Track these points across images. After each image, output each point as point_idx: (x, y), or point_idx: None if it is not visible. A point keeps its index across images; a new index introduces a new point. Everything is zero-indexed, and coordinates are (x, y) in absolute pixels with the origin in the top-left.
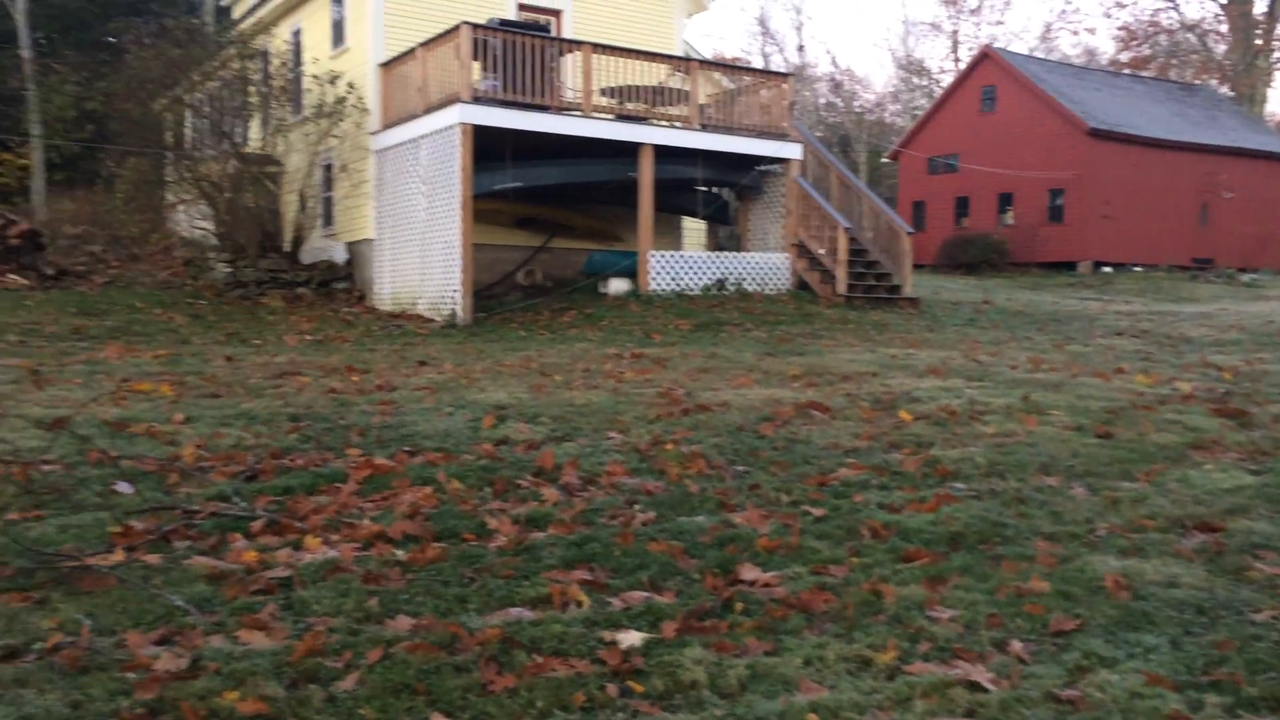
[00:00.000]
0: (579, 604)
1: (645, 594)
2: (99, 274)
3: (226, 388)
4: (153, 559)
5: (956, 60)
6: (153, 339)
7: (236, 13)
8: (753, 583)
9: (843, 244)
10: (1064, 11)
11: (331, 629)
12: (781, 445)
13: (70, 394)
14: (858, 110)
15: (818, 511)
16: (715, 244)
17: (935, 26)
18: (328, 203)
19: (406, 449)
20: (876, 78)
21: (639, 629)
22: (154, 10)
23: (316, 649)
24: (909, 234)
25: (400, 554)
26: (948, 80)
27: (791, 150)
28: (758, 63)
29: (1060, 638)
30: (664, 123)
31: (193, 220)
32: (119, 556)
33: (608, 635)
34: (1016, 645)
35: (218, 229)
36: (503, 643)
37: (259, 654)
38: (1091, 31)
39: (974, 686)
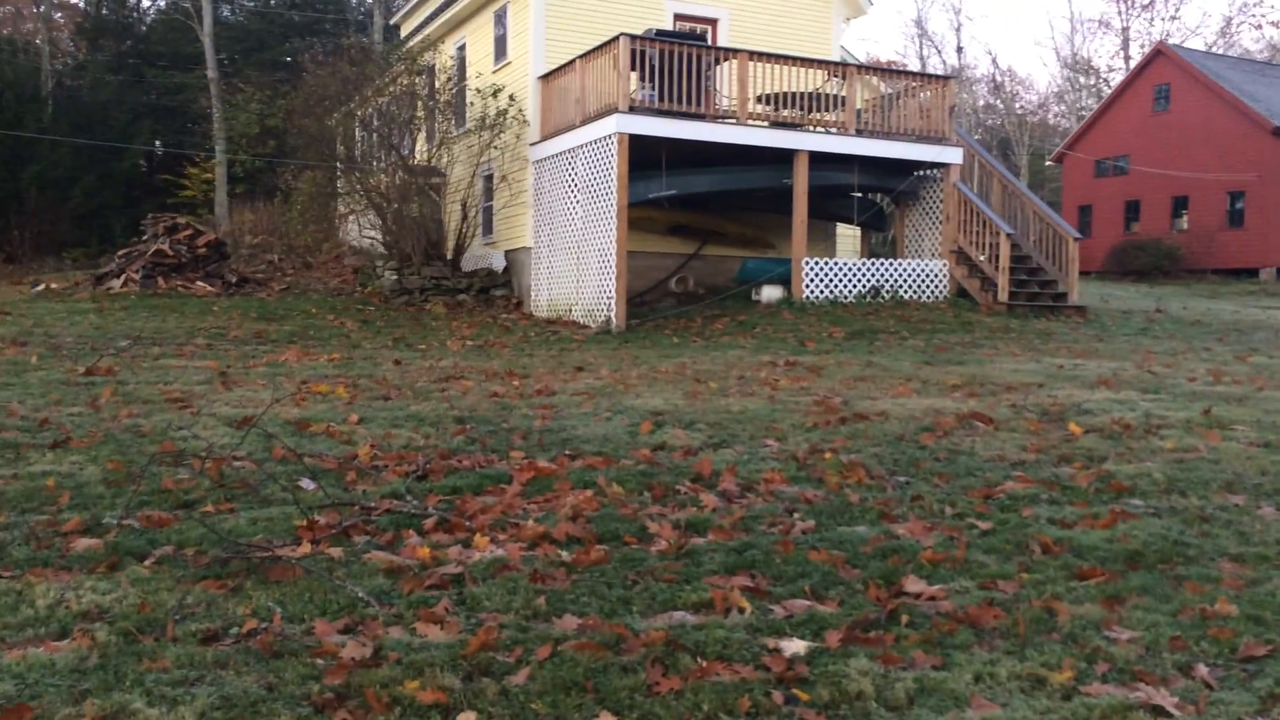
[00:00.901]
0: (741, 610)
1: (807, 603)
2: (276, 281)
3: (396, 390)
4: (335, 552)
5: (1127, 58)
6: (327, 343)
7: (404, 31)
8: (918, 595)
9: (1005, 250)
10: (1246, 4)
11: (502, 625)
12: (944, 456)
13: (255, 394)
14: (1019, 112)
15: (984, 525)
16: (870, 251)
17: (1104, 24)
18: (488, 212)
19: (567, 452)
20: (1039, 78)
21: (802, 637)
22: (327, 30)
23: (489, 644)
24: (1075, 239)
25: (565, 555)
26: (1117, 79)
27: (951, 154)
28: (915, 65)
29: (1250, 663)
30: (819, 129)
31: (362, 230)
32: (305, 549)
33: (771, 642)
34: (1202, 670)
35: (385, 238)
36: (667, 645)
37: (435, 646)
38: (1277, 25)
39: (1157, 711)
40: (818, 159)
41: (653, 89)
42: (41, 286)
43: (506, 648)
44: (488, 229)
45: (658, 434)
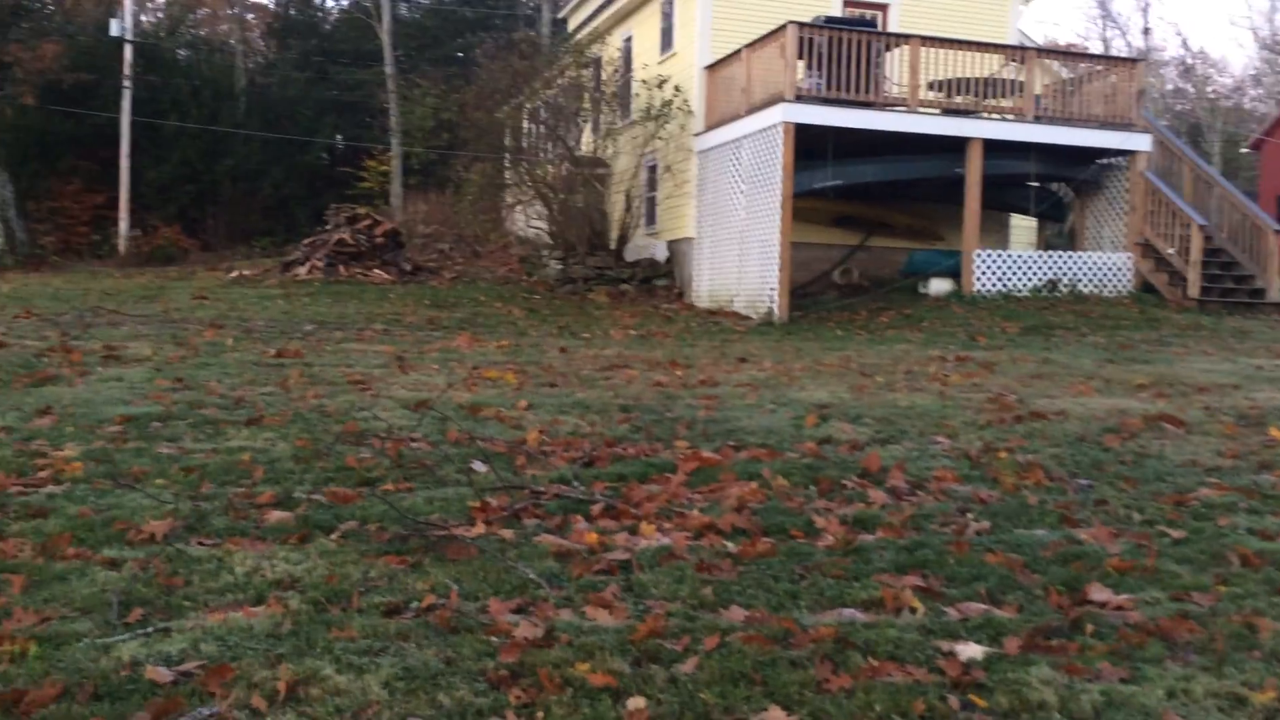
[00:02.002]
0: (913, 610)
1: (984, 606)
2: (448, 270)
3: (562, 377)
4: (507, 534)
5: None
6: (495, 330)
7: (572, 24)
8: (1103, 604)
9: (1196, 243)
10: None
11: (670, 613)
12: (1130, 459)
13: (429, 379)
14: (1211, 96)
15: (1176, 533)
16: (1046, 243)
17: None
18: (651, 202)
19: (731, 443)
20: (1234, 60)
21: (979, 642)
22: (498, 25)
23: (657, 631)
24: (1276, 232)
25: (730, 546)
26: None
27: (1138, 141)
28: (1097, 48)
29: None
30: (994, 115)
31: (529, 220)
32: (479, 529)
33: (945, 645)
34: None
35: (551, 228)
36: (836, 642)
37: (604, 630)
38: None
39: None
40: (992, 147)
41: (820, 77)
42: (235, 273)
43: (674, 635)
44: (650, 219)
45: (823, 427)
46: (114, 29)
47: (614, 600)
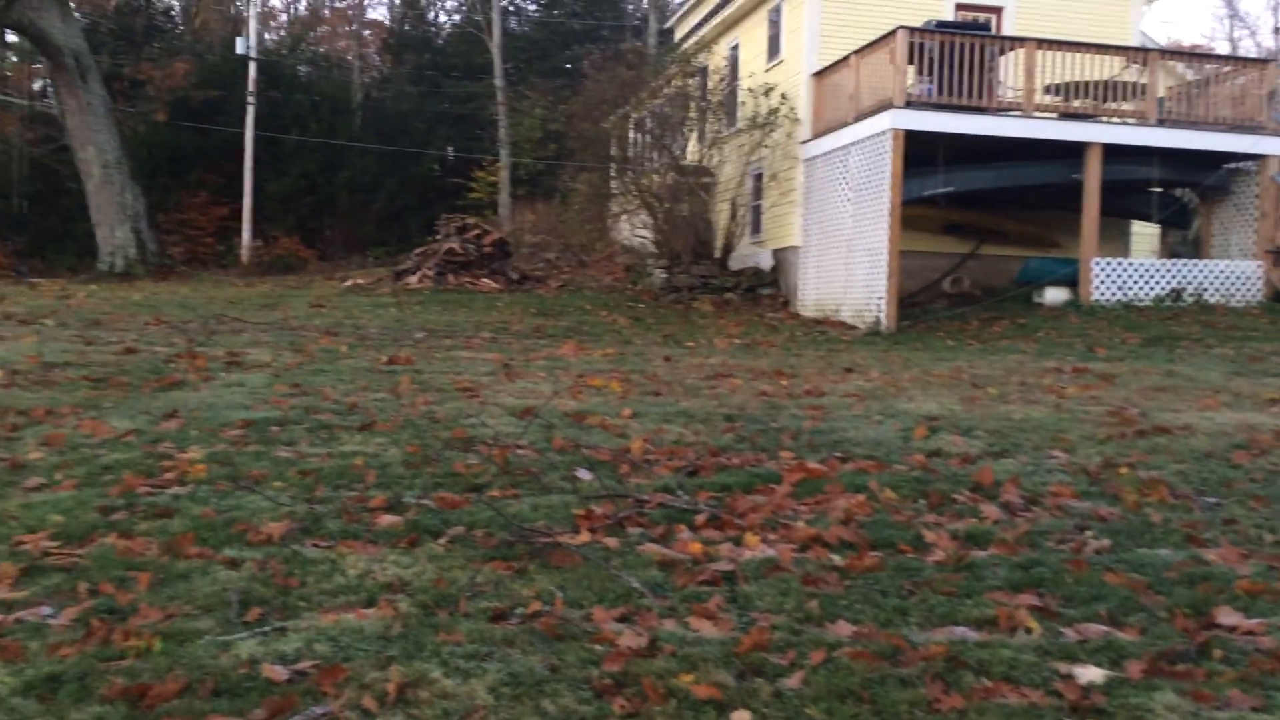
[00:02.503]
0: (1028, 630)
1: (1104, 628)
2: (554, 278)
3: (666, 386)
4: (611, 542)
5: None
6: (600, 338)
7: (678, 34)
8: (1232, 628)
9: None
10: None
11: (774, 626)
12: (1261, 477)
13: (535, 386)
14: None
15: None
16: (1169, 250)
17: None
18: (756, 211)
19: (837, 455)
20: None
21: (1099, 665)
22: (605, 37)
23: (762, 644)
24: None
25: (837, 559)
26: None
27: (1269, 145)
28: (1224, 49)
29: None
30: (1115, 119)
31: (634, 229)
32: (584, 537)
33: (1063, 667)
34: None
35: (656, 237)
36: (948, 661)
37: (708, 641)
38: None
39: None
40: (1112, 152)
41: (931, 82)
42: (350, 282)
43: (779, 649)
44: (755, 228)
45: (932, 439)
46: (239, 47)
47: (718, 611)
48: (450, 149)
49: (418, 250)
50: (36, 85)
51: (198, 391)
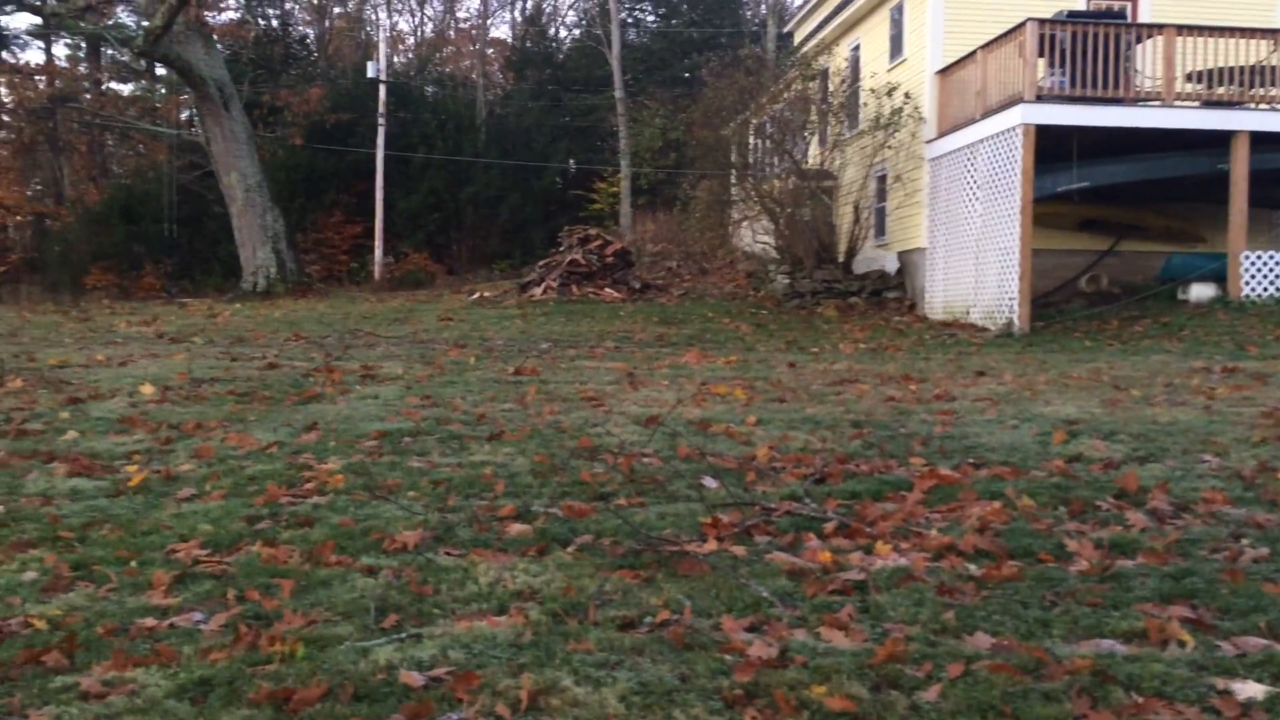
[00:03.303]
0: (1181, 644)
1: (1264, 641)
2: (675, 287)
3: (791, 393)
4: (738, 550)
5: None
6: (723, 346)
7: (797, 38)
8: None
9: None
10: None
11: (909, 637)
12: None
13: (659, 394)
14: None
15: None
16: None
17: None
18: (880, 213)
19: (971, 461)
20: None
21: (1259, 680)
22: (723, 44)
23: (896, 655)
24: None
25: (973, 568)
26: None
27: None
28: None
29: None
30: (1264, 106)
31: (755, 235)
32: (711, 545)
33: (1220, 683)
34: None
35: (777, 242)
36: (1094, 675)
37: (840, 652)
38: None
39: None
40: (1261, 140)
41: (1063, 74)
42: (476, 295)
43: (915, 661)
44: (880, 230)
45: (1072, 444)
46: (370, 71)
47: (850, 622)
48: (571, 161)
49: (541, 262)
50: (184, 115)
51: (335, 404)
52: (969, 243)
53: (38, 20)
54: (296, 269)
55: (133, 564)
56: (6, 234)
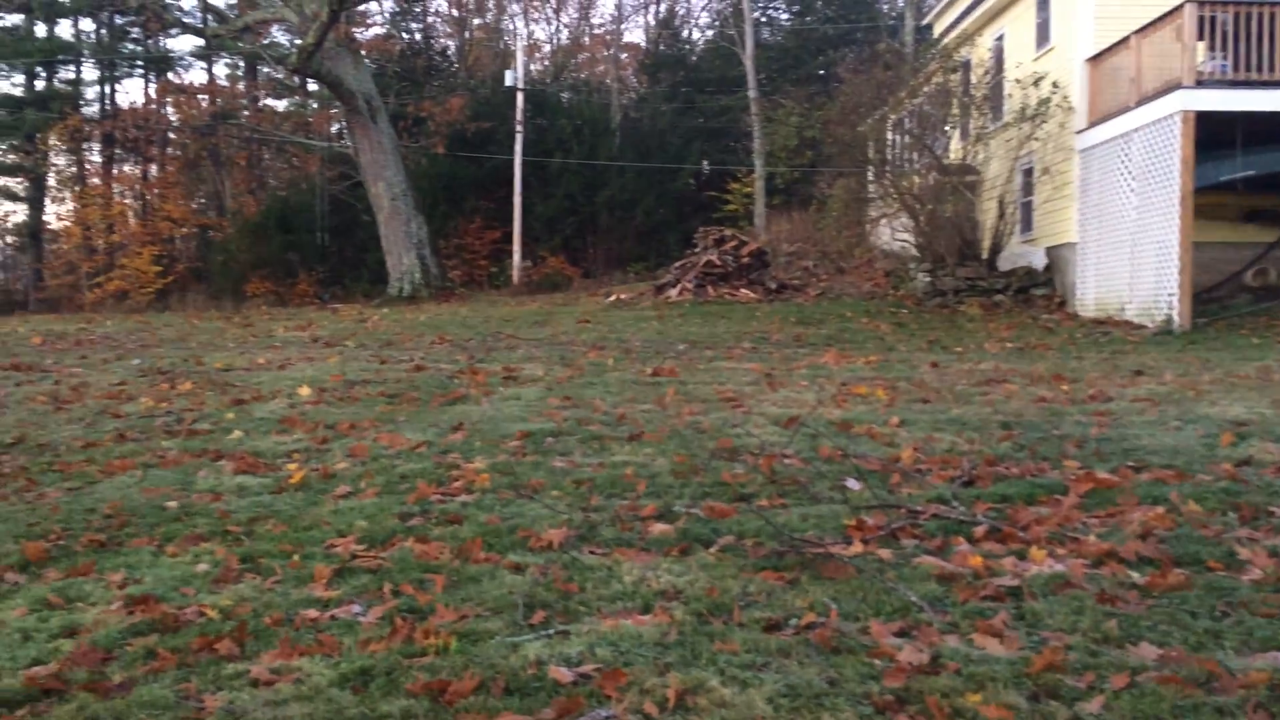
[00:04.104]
0: None
1: None
2: (812, 287)
3: (935, 393)
4: (884, 553)
5: None
6: (862, 346)
7: (937, 30)
8: None
9: None
10: None
11: (1069, 646)
12: None
13: (798, 395)
14: None
15: None
16: None
17: None
18: (1026, 208)
19: (1130, 464)
20: None
21: None
22: (859, 40)
23: (1055, 665)
24: None
25: (1136, 576)
26: None
27: None
28: None
29: None
30: None
31: (894, 233)
32: (857, 548)
33: None
34: None
35: (917, 240)
36: (1271, 690)
37: (995, 660)
38: None
39: None
40: None
41: (1224, 58)
42: (613, 297)
43: (1075, 671)
44: (1026, 225)
45: (1241, 447)
46: (508, 80)
47: (1004, 629)
48: (705, 163)
49: (677, 264)
50: (334, 128)
51: (479, 405)
52: (1123, 236)
53: (200, 42)
54: (439, 274)
55: (295, 557)
56: (174, 245)
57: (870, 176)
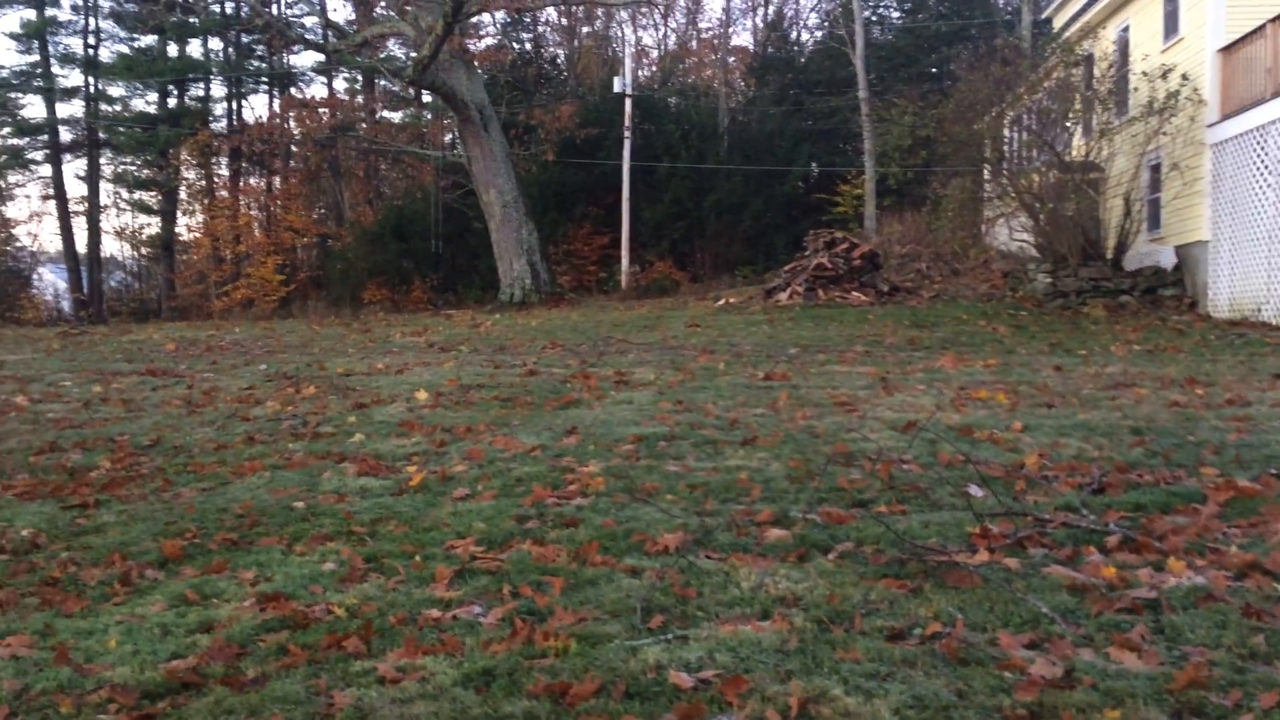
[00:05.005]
0: None
1: None
2: (925, 289)
3: (1059, 398)
4: (1011, 562)
5: None
6: (980, 349)
7: (1057, 24)
8: None
9: None
10: None
11: (1213, 662)
12: None
13: (914, 400)
14: None
15: None
16: None
17: None
18: (1153, 205)
19: (1272, 471)
20: None
21: None
22: (973, 36)
23: (1199, 681)
24: None
25: None
26: None
27: None
28: None
29: None
30: None
31: (1011, 233)
32: (982, 556)
33: None
34: None
35: (1037, 239)
36: None
37: (1133, 675)
38: None
39: None
40: None
41: None
42: (722, 301)
43: (1220, 688)
44: (1153, 223)
45: None
46: (617, 86)
47: (1142, 643)
48: (814, 165)
49: (786, 267)
50: (447, 138)
51: (592, 409)
52: (1260, 234)
53: (321, 58)
54: (549, 280)
55: (417, 558)
56: (296, 254)
57: (987, 175)
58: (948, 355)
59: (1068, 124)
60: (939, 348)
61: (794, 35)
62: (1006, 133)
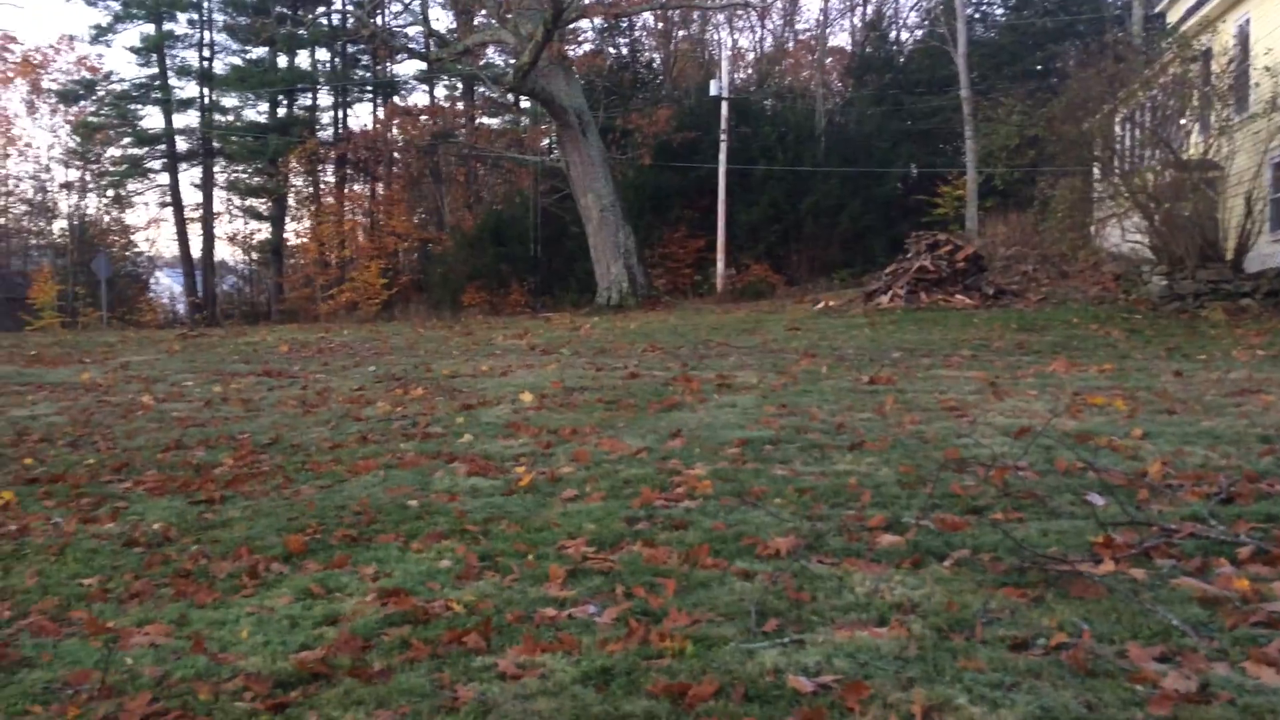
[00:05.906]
0: None
1: None
2: (1032, 292)
3: (1181, 404)
4: (1137, 573)
5: None
6: (1092, 353)
7: (1171, 17)
8: None
9: None
10: None
11: None
12: None
13: (1026, 405)
14: None
15: None
16: None
17: None
18: (1276, 205)
19: None
20: None
21: None
22: (1080, 32)
23: None
24: None
25: None
26: None
27: None
28: None
29: None
30: None
31: (1124, 234)
32: (1107, 566)
33: None
34: None
35: (1152, 241)
36: None
37: (1273, 691)
38: None
39: None
40: None
41: None
42: (821, 304)
43: None
44: (1276, 224)
45: None
46: (713, 89)
47: None
48: (913, 166)
49: (887, 270)
50: (544, 143)
51: (695, 412)
52: None
53: (423, 66)
54: (645, 283)
55: (530, 557)
56: (398, 259)
57: (1097, 175)
58: (1060, 360)
59: (1184, 121)
60: (1050, 352)
61: (893, 34)
62: (1118, 131)
